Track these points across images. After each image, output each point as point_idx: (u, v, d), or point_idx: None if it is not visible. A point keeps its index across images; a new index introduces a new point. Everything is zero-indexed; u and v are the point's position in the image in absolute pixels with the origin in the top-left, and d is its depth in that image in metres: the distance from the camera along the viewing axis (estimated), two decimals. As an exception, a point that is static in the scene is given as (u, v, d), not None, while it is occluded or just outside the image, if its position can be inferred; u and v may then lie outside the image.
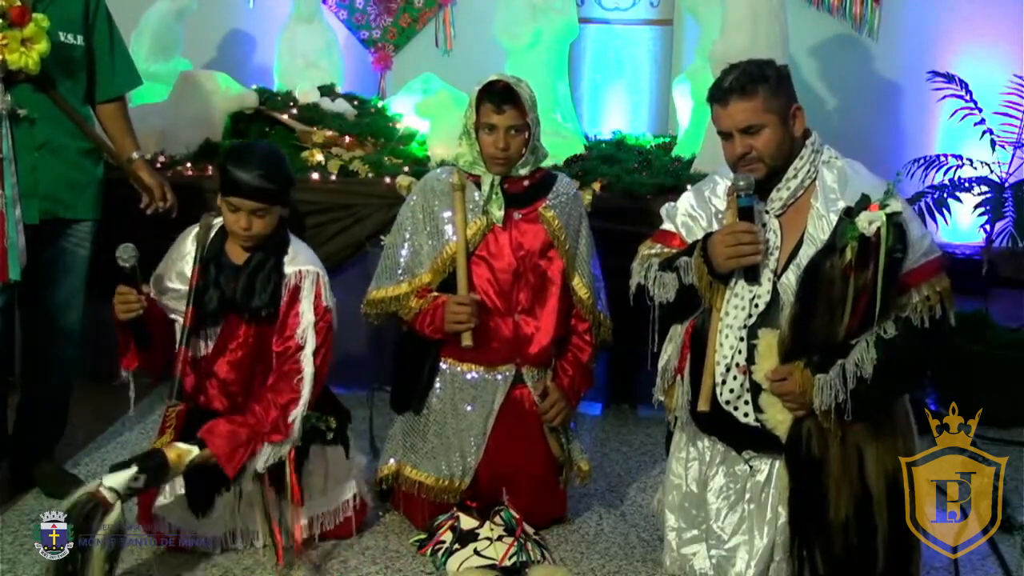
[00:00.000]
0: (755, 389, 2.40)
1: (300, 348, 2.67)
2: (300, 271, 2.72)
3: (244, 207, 2.64)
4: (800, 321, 2.31)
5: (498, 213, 2.82)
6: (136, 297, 2.57)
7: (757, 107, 2.38)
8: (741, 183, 2.37)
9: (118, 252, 2.54)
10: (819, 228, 2.37)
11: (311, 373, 2.67)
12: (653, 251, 2.63)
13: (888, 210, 2.21)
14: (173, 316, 2.75)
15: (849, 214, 2.25)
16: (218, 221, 2.78)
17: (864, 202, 2.24)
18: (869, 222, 2.20)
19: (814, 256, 2.32)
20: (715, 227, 2.52)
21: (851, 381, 2.26)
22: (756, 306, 2.41)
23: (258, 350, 2.73)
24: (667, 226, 2.65)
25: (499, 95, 2.75)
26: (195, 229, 2.79)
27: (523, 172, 2.84)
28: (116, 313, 2.60)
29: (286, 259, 2.73)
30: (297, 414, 2.64)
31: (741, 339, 2.41)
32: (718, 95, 2.43)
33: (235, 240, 2.72)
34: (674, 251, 2.57)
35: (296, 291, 2.70)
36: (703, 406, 2.45)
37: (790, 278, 2.38)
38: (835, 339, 2.28)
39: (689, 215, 2.61)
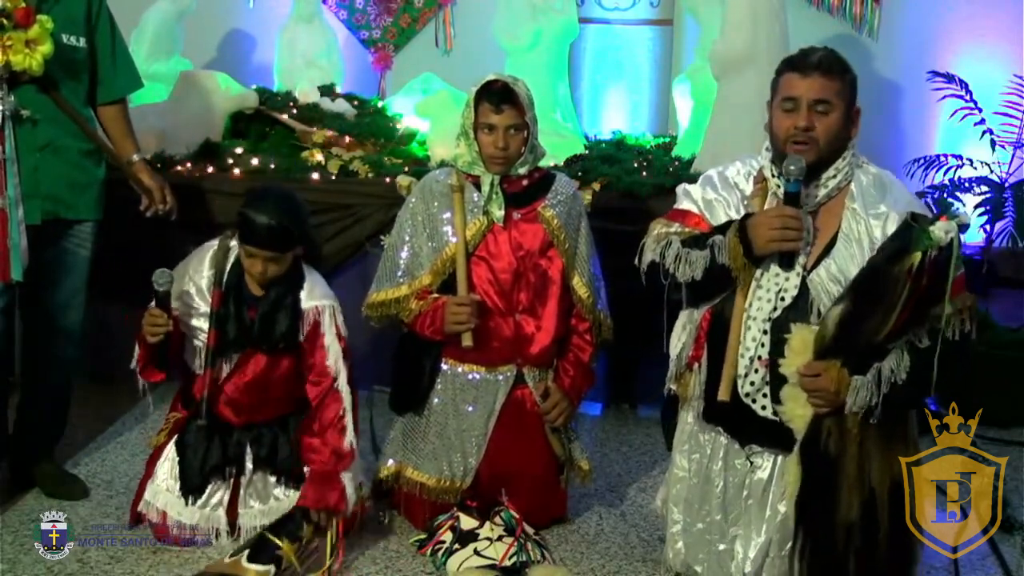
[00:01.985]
0: (775, 382, 2.39)
1: (335, 379, 2.78)
2: (317, 307, 2.80)
3: (259, 255, 2.71)
4: (850, 322, 2.30)
5: (498, 212, 2.82)
6: (166, 320, 2.65)
7: (836, 88, 2.40)
8: (792, 167, 2.35)
9: (154, 276, 2.63)
10: (855, 228, 2.39)
11: (350, 402, 2.78)
12: (671, 229, 2.58)
13: (958, 220, 2.24)
14: (195, 335, 2.80)
15: (916, 220, 2.26)
16: (235, 244, 2.82)
17: (939, 213, 2.27)
18: (945, 232, 2.21)
19: (876, 259, 2.31)
20: (742, 211, 2.51)
21: (885, 385, 2.28)
22: (782, 299, 2.40)
23: (268, 375, 2.82)
24: (686, 205, 2.61)
25: (497, 95, 2.75)
26: (213, 247, 2.82)
27: (522, 171, 2.84)
28: (144, 332, 2.67)
29: (303, 294, 2.81)
30: (350, 440, 2.75)
31: (764, 332, 2.41)
32: (800, 65, 2.42)
33: (254, 278, 2.78)
34: (696, 231, 2.54)
35: (316, 326, 2.79)
36: (724, 396, 2.44)
37: (822, 275, 2.38)
38: (876, 342, 2.29)
39: (714, 197, 2.58)
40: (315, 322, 2.79)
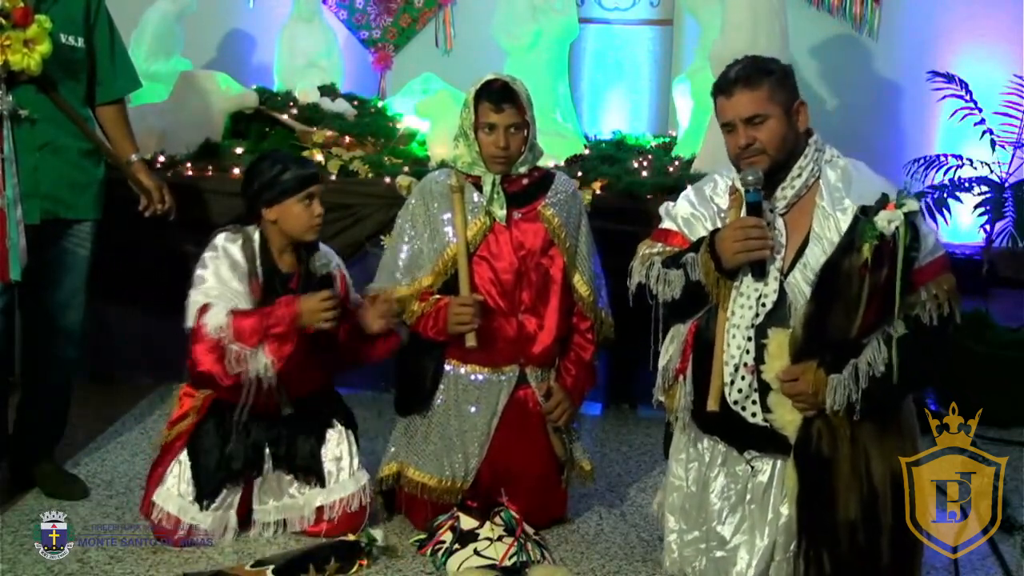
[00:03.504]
0: (763, 389, 2.39)
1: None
2: (337, 265, 2.95)
3: (318, 192, 2.81)
4: (814, 320, 2.30)
5: (501, 212, 2.82)
6: (339, 302, 2.71)
7: (762, 97, 2.38)
8: (750, 178, 2.36)
9: (313, 260, 2.75)
10: (825, 227, 2.37)
11: None
12: (654, 250, 2.61)
13: (905, 209, 2.22)
14: None
15: (865, 213, 2.25)
16: (252, 229, 2.83)
17: (883, 201, 2.25)
18: (888, 221, 2.20)
19: (831, 255, 2.31)
20: (718, 225, 2.51)
21: (863, 380, 2.27)
22: (763, 305, 2.40)
23: (303, 349, 2.76)
24: (667, 225, 2.64)
25: (498, 94, 2.75)
26: (237, 241, 2.78)
27: (522, 171, 2.84)
28: (321, 323, 2.67)
29: (324, 258, 2.91)
30: None
31: (748, 339, 2.40)
32: (723, 86, 2.43)
33: (309, 234, 2.81)
34: (676, 249, 2.56)
35: (343, 280, 2.95)
36: (713, 406, 2.44)
37: (797, 277, 2.38)
38: (847, 338, 2.29)
39: (691, 213, 2.59)
40: (341, 278, 2.94)
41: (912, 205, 2.23)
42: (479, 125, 2.78)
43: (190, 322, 2.70)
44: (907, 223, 2.21)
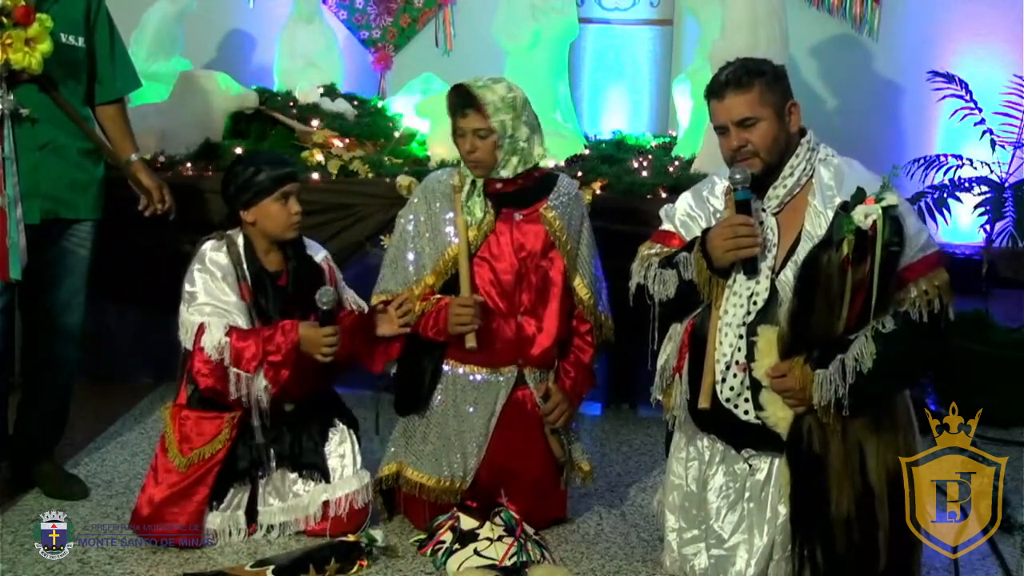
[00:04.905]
0: (755, 386, 2.40)
1: (361, 310, 2.97)
2: (326, 258, 2.98)
3: (294, 190, 2.82)
4: (799, 317, 2.32)
5: (479, 214, 2.81)
6: (340, 337, 2.70)
7: (753, 100, 2.40)
8: (738, 176, 2.39)
9: (318, 295, 2.68)
10: (816, 225, 2.39)
11: None
12: (653, 251, 2.64)
13: (884, 203, 2.21)
14: None
15: (845, 208, 2.26)
16: (234, 232, 2.84)
17: (860, 195, 2.24)
18: (865, 215, 2.20)
19: (811, 251, 2.33)
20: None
21: (850, 376, 2.27)
22: (755, 303, 2.41)
23: (299, 370, 2.77)
24: (666, 226, 2.66)
25: (461, 100, 2.76)
26: (222, 247, 2.81)
27: (504, 174, 2.80)
28: (319, 355, 2.69)
29: (308, 252, 2.92)
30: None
31: (740, 336, 2.42)
32: (715, 89, 2.46)
33: (288, 232, 2.82)
34: (674, 250, 2.58)
35: (332, 273, 2.97)
36: (704, 403, 2.46)
37: (788, 275, 2.39)
38: (834, 334, 2.29)
39: (688, 215, 2.62)
40: (330, 271, 2.96)
41: (891, 199, 2.21)
42: (454, 129, 2.80)
43: (187, 344, 2.74)
44: (886, 217, 2.20)
